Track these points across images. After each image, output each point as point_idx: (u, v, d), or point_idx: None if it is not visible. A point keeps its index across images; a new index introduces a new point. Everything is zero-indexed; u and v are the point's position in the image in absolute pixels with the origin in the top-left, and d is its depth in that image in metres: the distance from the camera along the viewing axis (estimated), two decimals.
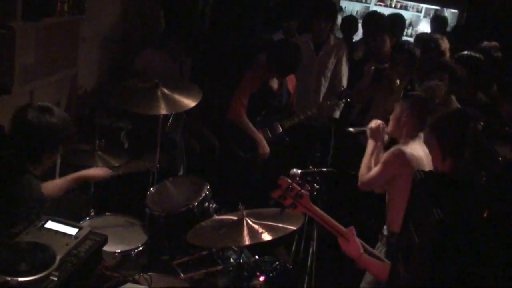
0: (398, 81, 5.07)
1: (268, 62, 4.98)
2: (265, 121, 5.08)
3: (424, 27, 9.02)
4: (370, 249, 2.87)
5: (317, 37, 5.66)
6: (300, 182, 2.87)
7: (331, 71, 5.69)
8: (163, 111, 4.03)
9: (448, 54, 5.09)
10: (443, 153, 2.73)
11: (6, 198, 2.78)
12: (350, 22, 7.05)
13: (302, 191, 2.82)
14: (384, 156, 3.56)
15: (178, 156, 5.35)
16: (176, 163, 5.29)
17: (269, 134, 5.09)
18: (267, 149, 4.99)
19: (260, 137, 4.97)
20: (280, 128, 5.11)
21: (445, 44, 5.10)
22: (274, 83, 5.01)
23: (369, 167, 3.64)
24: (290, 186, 2.81)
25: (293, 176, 2.99)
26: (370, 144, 3.72)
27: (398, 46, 5.22)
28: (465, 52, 4.96)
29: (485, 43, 5.54)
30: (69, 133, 2.98)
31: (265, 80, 4.96)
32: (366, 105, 5.35)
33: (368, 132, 3.73)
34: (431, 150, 2.99)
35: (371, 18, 6.67)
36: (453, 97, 4.50)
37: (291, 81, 5.23)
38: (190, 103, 4.11)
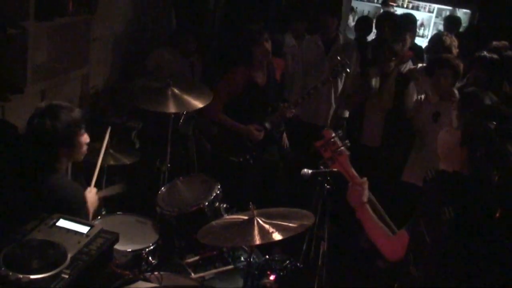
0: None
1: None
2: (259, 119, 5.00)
3: None
4: (383, 214, 2.87)
5: (325, 35, 5.65)
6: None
7: None
8: (172, 109, 4.05)
9: (454, 50, 5.09)
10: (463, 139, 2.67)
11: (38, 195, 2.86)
12: (364, 22, 7.03)
13: (343, 148, 2.90)
14: None
15: (190, 151, 5.35)
16: (188, 158, 5.28)
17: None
18: (255, 133, 4.86)
19: (244, 127, 4.84)
20: (269, 125, 4.97)
21: (449, 40, 5.11)
22: (260, 79, 4.93)
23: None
24: (332, 140, 2.91)
25: (330, 137, 3.01)
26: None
27: (380, 43, 5.26)
28: (485, 54, 4.95)
29: (495, 42, 5.52)
30: (78, 127, 3.02)
31: (247, 78, 4.84)
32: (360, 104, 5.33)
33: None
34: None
35: (389, 18, 6.69)
36: (456, 91, 4.56)
37: (279, 69, 5.12)
38: (199, 103, 4.12)
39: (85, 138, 3.10)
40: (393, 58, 5.17)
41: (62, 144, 2.96)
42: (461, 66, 4.63)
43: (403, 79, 5.21)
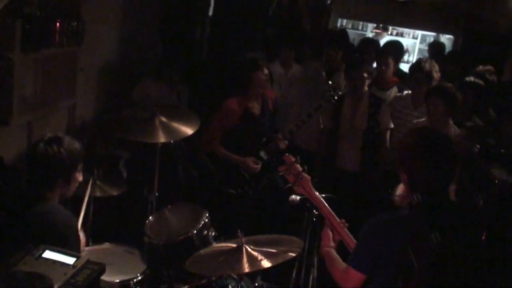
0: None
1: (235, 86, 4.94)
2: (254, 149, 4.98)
3: None
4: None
5: (328, 64, 5.72)
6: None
7: None
8: (161, 139, 4.05)
9: (435, 75, 5.12)
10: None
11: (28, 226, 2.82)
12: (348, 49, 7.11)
13: (303, 174, 3.13)
14: None
15: (179, 174, 5.35)
16: (177, 181, 5.28)
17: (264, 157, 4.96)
18: (252, 168, 4.85)
19: (241, 159, 4.84)
20: (265, 156, 4.96)
21: (429, 66, 5.13)
22: (255, 108, 4.94)
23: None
24: (292, 165, 3.16)
25: (291, 161, 3.22)
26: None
27: (352, 62, 5.33)
28: (471, 79, 5.02)
29: (480, 67, 5.59)
30: (78, 161, 3.01)
31: (243, 108, 4.86)
32: (334, 123, 5.33)
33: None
34: None
35: (370, 43, 6.77)
36: (450, 121, 4.56)
37: (270, 99, 5.12)
38: (188, 131, 4.13)
39: (80, 176, 3.09)
40: (367, 79, 5.21)
41: (61, 175, 2.95)
42: (457, 95, 4.59)
43: (376, 100, 5.25)
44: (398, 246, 2.30)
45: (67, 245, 2.76)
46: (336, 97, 4.99)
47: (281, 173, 3.29)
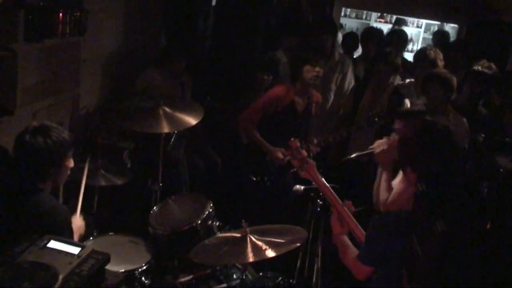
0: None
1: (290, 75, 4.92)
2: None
3: None
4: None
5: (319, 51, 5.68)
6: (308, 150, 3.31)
7: (336, 87, 5.70)
8: (165, 129, 4.05)
9: (440, 63, 5.10)
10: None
11: (21, 216, 2.83)
12: (350, 38, 7.09)
13: (309, 159, 3.16)
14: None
15: (181, 175, 5.34)
16: (179, 181, 5.27)
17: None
18: (279, 156, 4.80)
19: (270, 147, 4.82)
20: None
21: (434, 54, 5.11)
22: (300, 105, 4.89)
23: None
24: (298, 150, 3.18)
25: (296, 146, 3.24)
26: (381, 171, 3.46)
27: (379, 55, 5.29)
28: (478, 68, 5.00)
29: (475, 63, 5.53)
30: (68, 149, 3.00)
31: (289, 100, 4.84)
32: (352, 112, 5.30)
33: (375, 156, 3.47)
34: None
35: (371, 33, 6.74)
36: (449, 107, 4.54)
37: (315, 103, 5.05)
38: (191, 121, 4.13)
39: (71, 162, 3.08)
40: (392, 72, 5.18)
41: (52, 163, 2.94)
42: (454, 80, 4.59)
43: (398, 97, 5.21)
44: (405, 239, 2.32)
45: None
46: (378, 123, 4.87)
47: (287, 158, 3.30)
